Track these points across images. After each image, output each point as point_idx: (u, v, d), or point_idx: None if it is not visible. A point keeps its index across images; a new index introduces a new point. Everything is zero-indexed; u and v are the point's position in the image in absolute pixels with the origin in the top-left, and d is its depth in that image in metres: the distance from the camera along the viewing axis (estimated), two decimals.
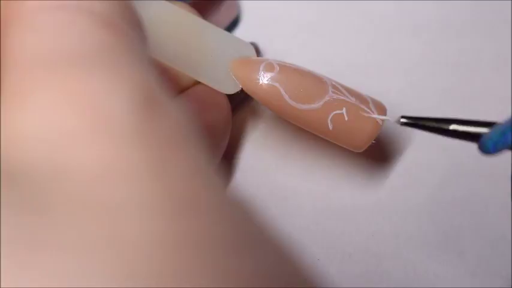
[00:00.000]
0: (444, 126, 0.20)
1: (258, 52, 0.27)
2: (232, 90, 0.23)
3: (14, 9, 0.13)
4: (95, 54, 0.12)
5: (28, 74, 0.12)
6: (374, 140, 0.22)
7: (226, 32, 0.23)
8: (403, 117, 0.22)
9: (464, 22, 0.29)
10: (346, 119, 0.22)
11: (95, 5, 0.13)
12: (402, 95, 0.28)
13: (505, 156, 0.27)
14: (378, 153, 0.27)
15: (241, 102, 0.27)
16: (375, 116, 0.22)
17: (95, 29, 0.13)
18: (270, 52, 0.28)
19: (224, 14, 0.28)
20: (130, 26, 0.14)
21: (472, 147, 0.27)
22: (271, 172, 0.26)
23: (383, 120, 0.22)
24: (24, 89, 0.12)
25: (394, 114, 0.27)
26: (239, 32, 0.29)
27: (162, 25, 0.22)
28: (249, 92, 0.22)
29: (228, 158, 0.26)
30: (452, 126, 0.20)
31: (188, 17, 0.23)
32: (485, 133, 0.18)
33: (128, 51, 0.13)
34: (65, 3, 0.13)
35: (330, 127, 0.22)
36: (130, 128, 0.11)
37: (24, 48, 0.12)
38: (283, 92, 0.22)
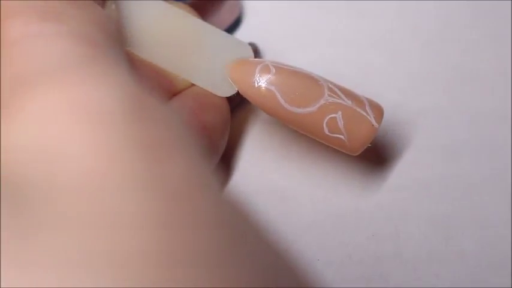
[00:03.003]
0: None
1: (257, 52, 0.27)
2: (228, 93, 0.23)
3: None
4: (79, 67, 0.13)
5: (18, 88, 0.13)
6: (370, 144, 0.22)
7: (224, 33, 0.23)
8: None
9: (464, 22, 0.29)
10: (341, 122, 0.22)
11: (73, 27, 0.14)
12: (402, 95, 0.28)
13: (504, 156, 0.27)
14: (378, 154, 0.27)
15: (240, 102, 0.27)
16: None
17: (76, 47, 0.14)
18: (271, 52, 0.28)
19: (226, 14, 0.28)
20: (109, 41, 0.15)
21: (472, 147, 0.27)
22: (270, 173, 0.26)
23: (379, 124, 0.22)
24: (18, 100, 0.12)
25: (394, 114, 0.27)
26: (241, 32, 0.29)
27: (157, 26, 0.22)
28: (244, 95, 0.22)
29: (226, 159, 0.26)
30: None
31: (185, 18, 0.22)
32: None
33: (111, 62, 0.14)
34: (45, 29, 0.14)
35: (326, 130, 0.22)
36: (120, 134, 0.12)
37: (11, 66, 0.13)
38: (278, 96, 0.22)
